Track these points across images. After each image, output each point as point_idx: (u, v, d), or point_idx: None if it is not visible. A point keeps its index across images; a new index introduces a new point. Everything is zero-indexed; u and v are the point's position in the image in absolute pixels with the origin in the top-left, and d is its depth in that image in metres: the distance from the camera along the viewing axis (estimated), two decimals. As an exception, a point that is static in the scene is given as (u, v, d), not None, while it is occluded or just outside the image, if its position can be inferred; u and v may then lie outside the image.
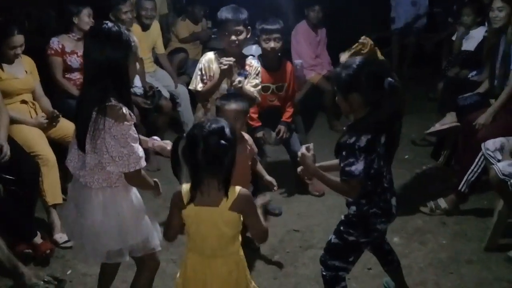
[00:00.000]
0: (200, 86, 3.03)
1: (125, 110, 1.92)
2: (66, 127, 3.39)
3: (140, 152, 1.99)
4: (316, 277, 2.83)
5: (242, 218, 1.86)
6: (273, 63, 3.59)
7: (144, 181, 2.09)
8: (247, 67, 3.09)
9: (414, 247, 3.11)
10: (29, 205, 3.10)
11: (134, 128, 1.96)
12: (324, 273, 2.28)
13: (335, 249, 2.24)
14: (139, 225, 2.10)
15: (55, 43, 3.78)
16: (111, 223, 2.03)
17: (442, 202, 3.46)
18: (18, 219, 2.94)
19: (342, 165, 2.05)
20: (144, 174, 2.07)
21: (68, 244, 3.08)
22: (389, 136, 2.08)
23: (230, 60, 2.83)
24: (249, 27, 3.06)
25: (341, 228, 2.21)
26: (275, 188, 2.86)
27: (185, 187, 1.85)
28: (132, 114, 1.97)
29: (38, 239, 2.97)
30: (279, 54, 3.65)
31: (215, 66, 3.02)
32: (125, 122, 1.92)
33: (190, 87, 3.12)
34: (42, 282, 2.61)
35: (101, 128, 1.89)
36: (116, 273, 2.47)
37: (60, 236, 3.11)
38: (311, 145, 2.17)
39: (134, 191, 2.14)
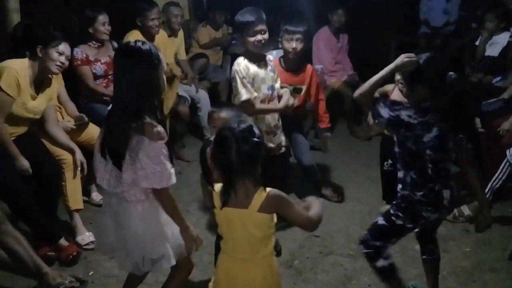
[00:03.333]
0: (246, 95, 2.94)
1: (159, 128, 1.95)
2: (91, 131, 3.46)
3: (171, 169, 2.01)
4: (336, 284, 2.81)
5: (275, 219, 1.85)
6: (293, 64, 3.56)
7: (173, 201, 2.08)
8: (270, 63, 3.13)
9: (436, 255, 3.07)
10: (50, 207, 3.15)
11: (165, 146, 1.99)
12: (364, 251, 2.34)
13: (380, 231, 2.29)
14: (176, 230, 2.13)
15: (78, 53, 3.80)
16: (152, 231, 2.08)
17: (466, 210, 3.40)
18: (44, 221, 2.99)
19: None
20: (174, 201, 2.08)
21: (91, 246, 3.13)
22: (446, 127, 2.16)
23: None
24: (267, 26, 3.07)
25: (391, 210, 2.27)
26: None
27: (217, 187, 1.86)
28: (164, 132, 1.99)
29: (63, 242, 3.02)
30: (300, 57, 3.63)
31: (252, 70, 3.00)
32: (159, 141, 1.95)
33: (241, 99, 2.92)
34: (67, 282, 2.64)
35: (136, 146, 1.93)
36: (144, 278, 2.47)
37: (83, 238, 3.16)
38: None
39: None
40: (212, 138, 1.82)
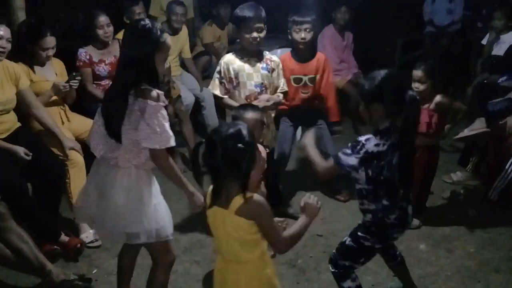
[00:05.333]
0: (218, 90, 3.09)
1: (157, 91, 2.07)
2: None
3: (170, 131, 2.09)
4: (339, 283, 2.81)
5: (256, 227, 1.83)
6: (305, 54, 3.54)
7: (172, 166, 2.16)
8: (268, 62, 3.13)
9: (441, 255, 3.06)
10: (54, 205, 3.16)
11: (165, 109, 2.09)
12: (332, 271, 2.33)
13: (348, 251, 2.27)
14: (157, 212, 2.20)
15: (82, 54, 3.81)
16: (132, 206, 2.15)
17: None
18: (44, 220, 2.99)
19: (340, 151, 2.13)
20: (173, 165, 2.17)
21: (95, 244, 3.14)
22: (403, 147, 2.12)
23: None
24: (265, 25, 3.08)
25: (359, 233, 2.25)
26: None
27: (209, 189, 1.88)
28: (163, 96, 2.10)
29: (63, 238, 3.03)
30: (311, 46, 3.60)
31: (236, 65, 3.06)
32: (159, 103, 2.06)
33: (209, 87, 3.20)
34: (70, 279, 2.65)
35: (137, 108, 2.03)
36: (133, 269, 2.51)
37: (86, 236, 3.16)
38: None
39: (155, 180, 2.25)
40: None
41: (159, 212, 2.21)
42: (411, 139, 2.16)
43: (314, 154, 2.23)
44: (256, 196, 1.80)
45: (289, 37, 3.51)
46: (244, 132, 1.79)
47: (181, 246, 3.11)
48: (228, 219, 1.80)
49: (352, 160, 2.08)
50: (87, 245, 3.13)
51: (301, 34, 3.42)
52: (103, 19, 3.79)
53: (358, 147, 2.07)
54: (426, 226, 3.28)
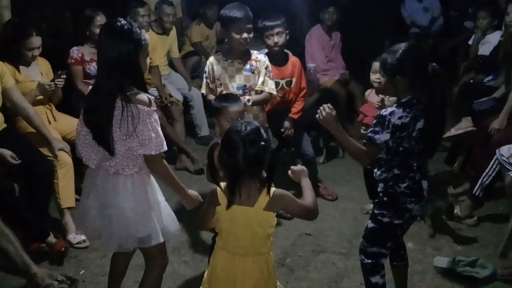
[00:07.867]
0: (204, 89, 3.11)
1: (148, 96, 2.02)
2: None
3: (162, 135, 2.06)
4: (328, 282, 2.82)
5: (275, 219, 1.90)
6: (279, 58, 3.57)
7: (167, 169, 2.14)
8: (253, 62, 3.06)
9: (428, 253, 3.09)
10: (42, 205, 3.13)
11: (156, 113, 2.05)
12: (364, 262, 2.33)
13: (372, 235, 2.30)
14: (161, 211, 2.19)
15: (74, 52, 3.81)
16: (140, 209, 2.10)
17: (457, 210, 3.42)
18: (32, 219, 2.96)
19: (368, 131, 2.18)
20: (169, 168, 2.14)
21: (83, 245, 3.11)
22: (429, 121, 2.17)
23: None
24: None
25: (375, 210, 2.28)
26: None
27: (223, 186, 1.87)
28: (153, 100, 2.06)
29: (51, 239, 2.99)
30: (284, 50, 3.63)
31: (220, 67, 3.04)
32: (151, 107, 2.01)
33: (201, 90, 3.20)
34: (56, 282, 2.62)
35: (129, 115, 1.96)
36: (125, 272, 2.49)
37: (74, 237, 3.14)
38: (329, 105, 2.29)
39: (153, 178, 2.20)
40: (220, 140, 1.87)
41: (163, 210, 2.19)
42: (439, 112, 2.20)
43: (350, 140, 2.25)
44: (277, 190, 1.86)
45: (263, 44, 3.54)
46: (262, 130, 1.82)
47: (169, 246, 3.08)
48: (254, 217, 1.83)
49: (385, 136, 2.13)
50: (75, 245, 3.11)
51: (274, 39, 3.47)
52: (102, 17, 3.79)
53: (386, 122, 2.12)
54: (413, 225, 3.26)
